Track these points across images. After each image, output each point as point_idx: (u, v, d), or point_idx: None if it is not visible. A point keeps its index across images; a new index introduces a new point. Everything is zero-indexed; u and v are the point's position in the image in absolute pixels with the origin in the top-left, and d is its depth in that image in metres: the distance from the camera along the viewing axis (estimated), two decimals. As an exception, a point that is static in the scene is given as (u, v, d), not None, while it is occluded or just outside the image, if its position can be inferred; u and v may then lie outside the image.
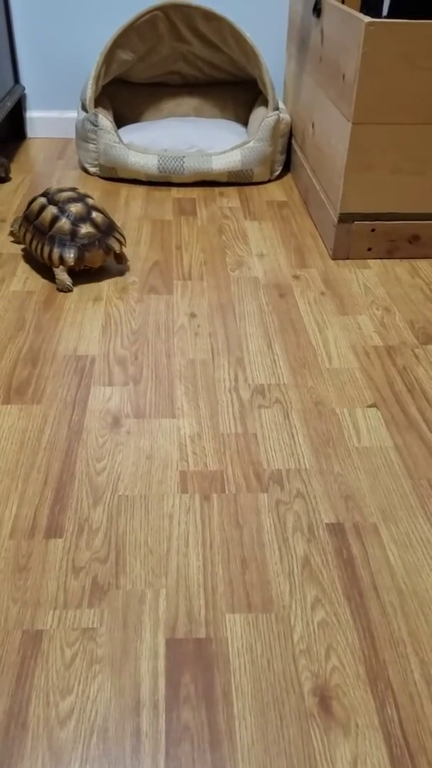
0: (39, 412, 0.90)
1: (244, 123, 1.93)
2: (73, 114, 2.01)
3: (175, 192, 1.65)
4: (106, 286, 1.22)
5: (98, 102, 1.75)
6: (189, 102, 1.93)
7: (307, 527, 0.74)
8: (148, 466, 0.82)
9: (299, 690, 0.59)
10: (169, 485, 0.79)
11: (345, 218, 1.29)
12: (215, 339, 1.07)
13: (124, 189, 1.66)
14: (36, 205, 1.24)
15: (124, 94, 1.91)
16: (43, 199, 1.24)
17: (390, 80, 1.15)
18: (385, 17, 1.44)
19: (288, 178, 1.76)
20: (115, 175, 1.70)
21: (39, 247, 1.21)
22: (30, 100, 2.00)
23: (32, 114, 2.01)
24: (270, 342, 1.06)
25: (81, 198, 1.23)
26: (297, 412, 0.91)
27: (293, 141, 1.75)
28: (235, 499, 0.78)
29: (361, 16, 1.13)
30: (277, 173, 1.74)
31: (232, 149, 1.65)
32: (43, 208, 1.22)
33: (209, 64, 1.85)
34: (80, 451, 0.84)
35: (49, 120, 2.01)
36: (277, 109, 1.67)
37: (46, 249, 1.19)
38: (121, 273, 1.26)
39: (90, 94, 1.67)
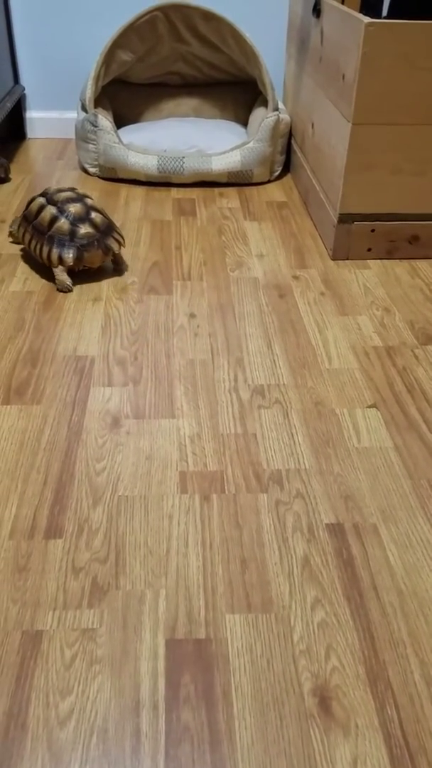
0: (38, 413, 0.90)
1: (244, 123, 1.93)
2: (73, 114, 2.01)
3: (175, 192, 1.65)
4: (105, 286, 1.22)
5: (98, 102, 1.75)
6: (189, 102, 1.93)
7: (307, 527, 0.74)
8: (148, 467, 0.82)
9: (299, 690, 0.59)
10: (169, 485, 0.79)
11: (345, 219, 1.29)
12: (215, 339, 1.07)
13: (124, 189, 1.66)
14: (35, 205, 1.24)
15: (124, 94, 1.91)
16: (42, 199, 1.24)
17: (390, 81, 1.15)
18: (385, 17, 1.44)
19: (288, 179, 1.76)
20: (114, 176, 1.70)
21: (38, 247, 1.20)
22: (30, 101, 2.00)
23: (32, 114, 2.01)
24: (270, 342, 1.06)
25: (80, 198, 1.23)
26: (297, 413, 0.91)
27: (293, 141, 1.75)
28: (235, 499, 0.78)
29: (361, 16, 1.13)
30: (276, 174, 1.74)
31: (232, 150, 1.65)
32: (42, 208, 1.22)
33: (209, 65, 1.85)
34: (80, 452, 0.84)
35: (49, 120, 2.01)
36: (276, 109, 1.67)
37: (45, 249, 1.19)
38: (121, 273, 1.26)
39: (90, 94, 1.67)
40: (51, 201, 1.22)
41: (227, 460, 0.83)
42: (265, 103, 1.76)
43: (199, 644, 0.62)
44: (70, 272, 1.22)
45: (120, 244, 1.24)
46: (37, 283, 1.22)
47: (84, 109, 1.70)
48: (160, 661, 0.61)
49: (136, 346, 1.05)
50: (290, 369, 1.00)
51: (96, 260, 1.21)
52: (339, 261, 1.33)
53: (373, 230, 1.30)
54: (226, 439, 0.86)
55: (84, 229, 1.19)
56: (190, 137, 1.73)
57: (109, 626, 0.63)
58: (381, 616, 0.65)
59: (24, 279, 1.23)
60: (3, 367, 0.99)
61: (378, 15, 1.45)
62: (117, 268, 1.27)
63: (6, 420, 0.89)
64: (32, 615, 0.64)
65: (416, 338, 1.08)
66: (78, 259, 1.18)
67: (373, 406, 0.93)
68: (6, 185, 1.66)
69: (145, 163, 1.63)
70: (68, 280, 1.19)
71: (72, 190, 1.26)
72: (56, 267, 1.19)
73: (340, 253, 1.33)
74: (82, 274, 1.24)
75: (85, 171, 1.76)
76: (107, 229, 1.22)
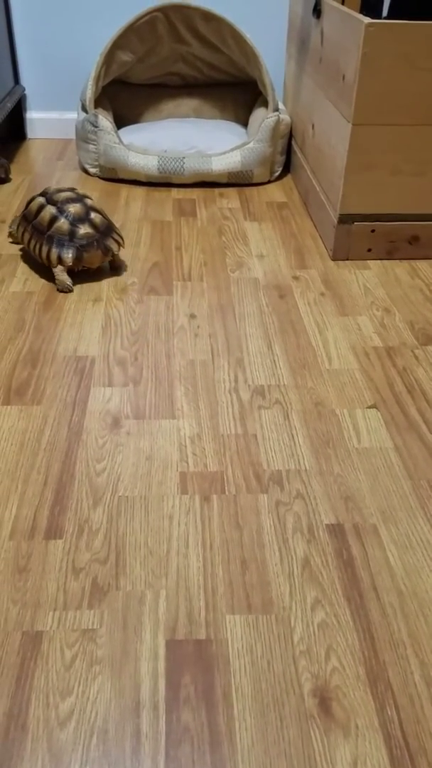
0: (39, 413, 0.90)
1: (244, 124, 1.93)
2: (73, 115, 2.01)
3: (175, 193, 1.65)
4: (105, 286, 1.22)
5: (98, 103, 1.75)
6: (189, 103, 1.94)
7: (307, 528, 0.74)
8: (148, 467, 0.82)
9: (299, 691, 0.59)
10: (169, 486, 0.79)
11: (345, 219, 1.29)
12: (215, 340, 1.07)
13: (124, 190, 1.66)
14: (34, 205, 1.24)
15: (124, 95, 1.91)
16: (41, 199, 1.24)
17: (390, 81, 1.15)
18: (385, 18, 1.44)
19: (288, 179, 1.76)
20: (115, 176, 1.70)
21: (37, 246, 1.20)
22: (30, 101, 2.00)
23: (32, 115, 2.01)
24: (270, 343, 1.06)
25: (80, 198, 1.23)
26: (297, 413, 0.91)
27: (293, 142, 1.75)
28: (235, 500, 0.78)
29: (361, 16, 1.13)
30: (276, 174, 1.74)
31: (232, 150, 1.65)
32: (41, 207, 1.22)
33: (209, 65, 1.85)
34: (80, 452, 0.84)
35: (49, 121, 2.01)
36: (276, 110, 1.67)
37: (45, 249, 1.19)
38: (119, 274, 1.26)
39: (90, 94, 1.67)
40: (51, 201, 1.22)
41: (227, 461, 0.83)
42: (265, 104, 1.76)
43: (200, 645, 0.62)
44: (70, 272, 1.22)
45: (119, 244, 1.24)
46: (37, 283, 1.22)
47: (84, 109, 1.70)
48: (160, 662, 0.61)
49: (136, 346, 1.05)
50: (290, 369, 1.00)
51: (95, 260, 1.21)
52: (339, 261, 1.33)
53: (373, 231, 1.30)
54: (227, 439, 0.86)
55: (83, 230, 1.19)
56: (191, 138, 1.73)
57: (109, 627, 0.63)
58: (381, 617, 0.65)
59: (24, 279, 1.23)
60: (3, 367, 0.99)
61: (378, 15, 1.45)
62: (114, 269, 1.27)
63: (6, 420, 0.89)
64: (32, 616, 0.64)
65: (416, 339, 1.08)
66: (77, 259, 1.18)
67: (373, 406, 0.93)
68: (6, 185, 1.66)
69: (145, 163, 1.63)
70: (68, 280, 1.19)
71: (72, 190, 1.26)
72: (55, 267, 1.19)
73: (340, 254, 1.33)
74: (82, 275, 1.24)
75: (86, 171, 1.76)
76: (107, 230, 1.22)
